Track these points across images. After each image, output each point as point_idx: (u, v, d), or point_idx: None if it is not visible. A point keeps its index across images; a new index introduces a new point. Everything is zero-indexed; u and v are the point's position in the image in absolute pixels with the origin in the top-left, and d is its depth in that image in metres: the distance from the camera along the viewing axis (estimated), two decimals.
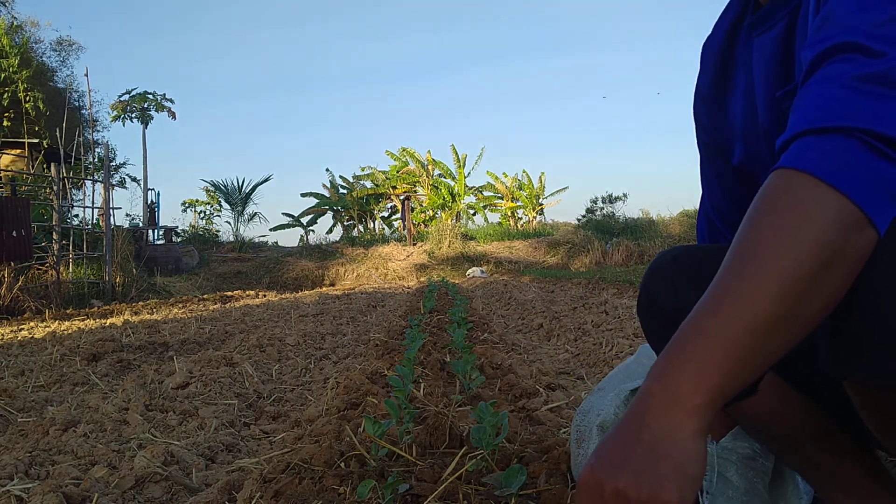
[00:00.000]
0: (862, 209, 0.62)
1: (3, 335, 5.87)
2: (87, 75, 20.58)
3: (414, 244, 22.19)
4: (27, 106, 17.63)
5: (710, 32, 1.09)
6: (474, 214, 27.73)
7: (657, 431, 0.62)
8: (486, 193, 28.06)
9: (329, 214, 27.86)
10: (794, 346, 0.83)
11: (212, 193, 26.74)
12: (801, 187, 0.63)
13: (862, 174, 0.63)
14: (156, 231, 19.65)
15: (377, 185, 26.89)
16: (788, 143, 0.68)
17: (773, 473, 1.20)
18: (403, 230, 24.29)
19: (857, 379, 0.72)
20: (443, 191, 25.98)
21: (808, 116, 0.67)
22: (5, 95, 17.72)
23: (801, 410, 0.98)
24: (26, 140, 15.11)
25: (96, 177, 13.07)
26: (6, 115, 17.94)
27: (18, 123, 17.94)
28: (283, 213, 31.04)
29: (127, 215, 21.90)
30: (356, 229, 27.19)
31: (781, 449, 1.07)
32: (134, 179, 23.63)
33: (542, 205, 27.68)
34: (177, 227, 22.28)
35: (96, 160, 14.73)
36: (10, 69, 17.80)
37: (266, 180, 27.30)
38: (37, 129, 17.79)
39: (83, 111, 21.05)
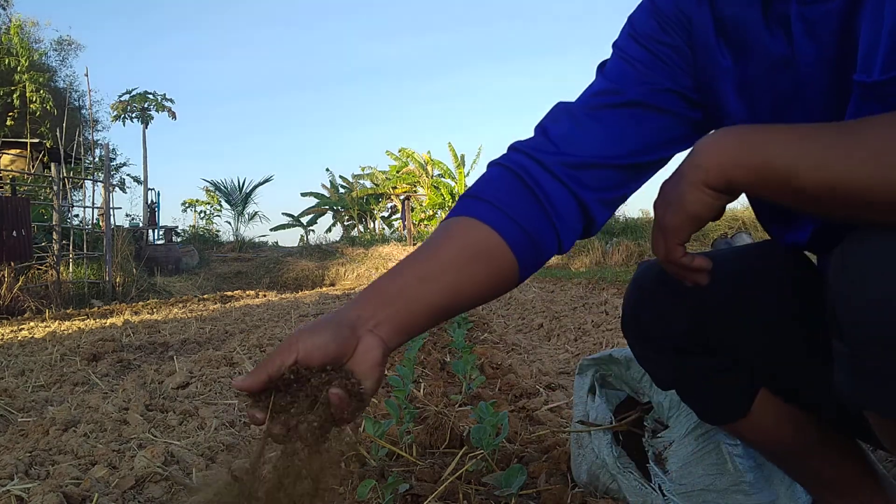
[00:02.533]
0: None
1: (3, 335, 5.87)
2: (87, 75, 20.70)
3: (414, 244, 22.19)
4: (33, 106, 17.62)
5: None
6: None
7: (685, 170, 0.72)
8: None
9: (329, 214, 27.88)
10: (790, 357, 0.81)
11: (212, 193, 26.75)
12: None
13: None
14: (156, 231, 19.65)
15: (377, 185, 26.89)
16: None
17: (768, 470, 1.20)
18: (403, 230, 24.29)
19: (880, 411, 0.69)
20: (442, 191, 25.99)
21: None
22: (15, 94, 17.73)
23: (795, 425, 0.97)
24: (28, 140, 15.11)
25: (96, 177, 13.07)
26: (10, 114, 17.94)
27: (21, 123, 17.95)
28: (283, 213, 31.05)
29: (127, 215, 21.92)
30: (356, 229, 27.20)
31: (781, 462, 1.06)
32: (135, 179, 23.66)
33: None
34: (177, 227, 22.30)
35: (96, 160, 14.75)
36: (20, 69, 17.80)
37: (267, 181, 27.32)
38: (41, 130, 17.79)
39: (83, 111, 21.07)
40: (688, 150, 0.75)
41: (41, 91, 17.86)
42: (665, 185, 0.76)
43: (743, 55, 0.83)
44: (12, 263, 9.26)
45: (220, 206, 26.90)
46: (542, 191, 0.83)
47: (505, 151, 0.90)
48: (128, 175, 23.69)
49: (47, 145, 14.42)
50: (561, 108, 0.90)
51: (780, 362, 0.92)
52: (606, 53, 0.94)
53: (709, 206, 0.71)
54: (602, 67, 0.93)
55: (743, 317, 0.91)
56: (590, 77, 0.94)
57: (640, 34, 0.89)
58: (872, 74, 0.67)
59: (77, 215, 14.34)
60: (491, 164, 0.89)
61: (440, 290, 0.78)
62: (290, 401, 0.71)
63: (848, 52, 0.73)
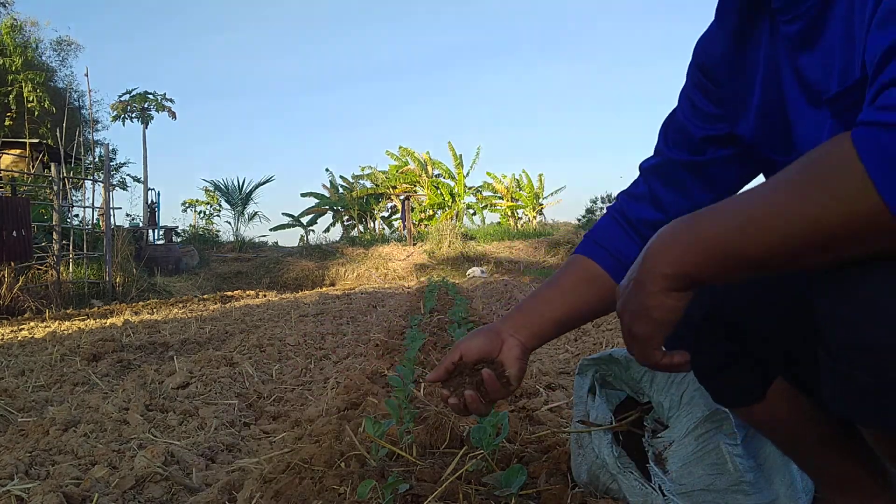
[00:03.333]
0: (890, 209, 0.57)
1: (3, 335, 5.87)
2: (87, 75, 20.65)
3: (414, 244, 22.18)
4: (31, 105, 17.63)
5: None
6: (474, 214, 27.74)
7: (640, 277, 0.75)
8: (485, 193, 28.05)
9: (329, 214, 27.87)
10: (800, 352, 0.83)
11: (211, 193, 26.73)
12: (847, 169, 0.59)
13: None
14: (156, 231, 19.65)
15: (377, 185, 26.87)
16: (865, 124, 0.62)
17: (769, 470, 1.20)
18: (403, 230, 24.28)
19: (864, 423, 0.70)
20: (442, 190, 25.97)
21: (890, 101, 0.59)
22: (11, 95, 17.73)
23: (807, 416, 0.98)
24: (28, 140, 15.11)
25: (96, 177, 13.06)
26: (8, 114, 17.95)
27: (20, 123, 17.95)
28: (283, 214, 31.01)
29: (127, 215, 21.92)
30: (356, 229, 27.19)
31: (790, 450, 1.07)
32: (135, 179, 23.65)
33: (542, 205, 27.67)
34: (177, 227, 22.29)
35: (97, 160, 14.76)
36: (14, 68, 17.80)
37: (268, 181, 27.29)
38: (41, 130, 17.79)
39: (83, 111, 21.07)
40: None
41: (38, 90, 17.87)
42: (624, 293, 0.79)
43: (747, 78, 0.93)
44: (12, 263, 9.26)
45: (220, 205, 26.90)
46: (636, 233, 1.08)
47: (615, 198, 1.16)
48: (128, 175, 23.73)
49: (49, 143, 14.42)
50: (644, 167, 1.10)
51: (792, 354, 0.93)
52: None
53: (675, 308, 0.73)
54: (673, 113, 1.07)
55: (756, 307, 0.93)
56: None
57: (690, 74, 1.03)
58: (830, 90, 0.72)
59: (77, 215, 14.35)
60: (607, 210, 1.15)
61: (560, 309, 1.06)
62: (460, 382, 1.02)
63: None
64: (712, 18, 0.98)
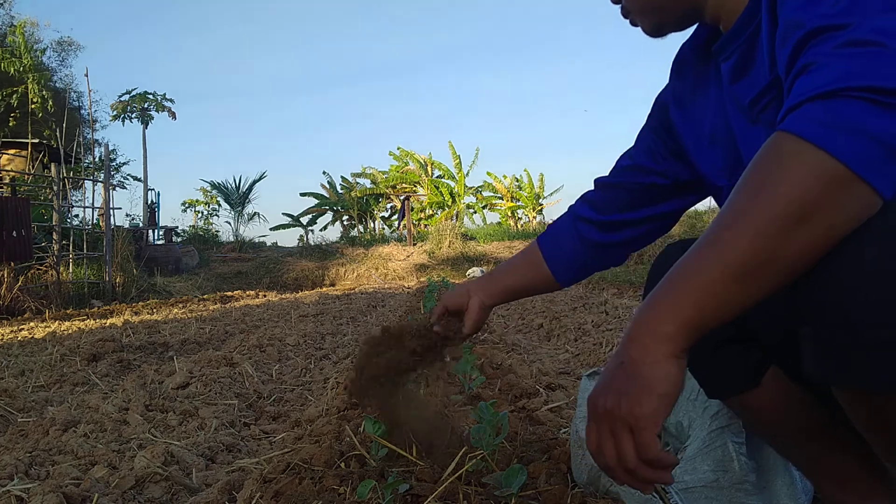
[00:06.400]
0: (847, 166, 0.63)
1: (3, 335, 5.87)
2: (86, 75, 20.63)
3: (414, 244, 22.17)
4: (35, 107, 17.62)
5: (687, 39, 1.09)
6: (474, 214, 27.73)
7: (633, 355, 0.71)
8: (485, 193, 28.03)
9: (328, 214, 27.87)
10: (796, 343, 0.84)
11: (209, 193, 26.71)
12: (787, 146, 0.66)
13: (851, 130, 0.63)
14: (156, 231, 19.64)
15: (376, 185, 26.87)
16: (787, 113, 0.69)
17: (769, 471, 1.20)
18: (403, 230, 24.28)
19: (838, 384, 0.72)
20: (442, 190, 25.96)
21: (803, 89, 0.68)
22: (15, 96, 17.72)
23: (802, 406, 0.98)
24: (30, 140, 15.09)
25: (96, 177, 13.06)
26: (13, 114, 17.94)
27: (22, 124, 17.95)
28: (283, 214, 31.03)
29: (127, 215, 21.88)
30: (356, 229, 27.18)
31: (783, 445, 1.07)
32: (136, 178, 23.64)
33: (542, 205, 27.66)
34: (177, 227, 22.27)
35: (97, 160, 14.74)
36: (23, 69, 17.80)
37: (261, 177, 27.30)
38: (46, 132, 17.78)
39: (83, 111, 21.08)
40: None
41: (43, 92, 17.87)
42: (610, 385, 0.73)
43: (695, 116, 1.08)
44: (12, 263, 9.25)
45: (219, 204, 26.89)
46: (574, 228, 1.28)
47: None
48: (128, 175, 23.72)
49: (52, 144, 14.41)
50: (600, 180, 1.27)
51: (790, 339, 0.93)
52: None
53: (678, 379, 0.70)
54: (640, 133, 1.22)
55: None
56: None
57: (650, 120, 1.20)
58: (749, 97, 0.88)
59: (77, 215, 14.36)
60: (570, 207, 1.32)
61: (509, 281, 1.31)
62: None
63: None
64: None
